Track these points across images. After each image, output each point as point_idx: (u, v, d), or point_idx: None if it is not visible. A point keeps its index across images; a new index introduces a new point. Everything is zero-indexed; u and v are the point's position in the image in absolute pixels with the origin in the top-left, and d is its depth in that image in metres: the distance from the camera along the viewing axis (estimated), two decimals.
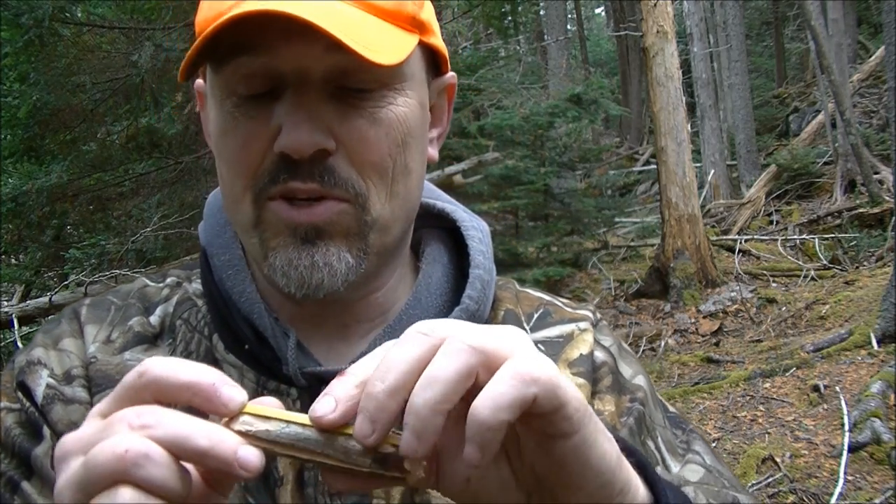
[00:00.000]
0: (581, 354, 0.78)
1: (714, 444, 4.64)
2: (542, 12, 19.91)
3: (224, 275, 0.72)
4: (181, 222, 5.16)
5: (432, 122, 0.73)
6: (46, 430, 0.68)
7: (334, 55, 0.60)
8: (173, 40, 4.49)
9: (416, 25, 0.66)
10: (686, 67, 11.51)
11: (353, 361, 0.65)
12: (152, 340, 0.73)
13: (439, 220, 0.81)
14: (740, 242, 9.60)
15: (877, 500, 3.78)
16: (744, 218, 11.06)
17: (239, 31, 0.60)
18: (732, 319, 7.37)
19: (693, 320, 7.45)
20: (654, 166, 11.07)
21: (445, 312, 0.73)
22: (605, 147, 15.37)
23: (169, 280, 0.78)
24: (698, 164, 12.03)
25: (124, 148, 5.72)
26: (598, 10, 32.70)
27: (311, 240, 0.64)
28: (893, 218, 8.88)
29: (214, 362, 0.70)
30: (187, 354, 0.71)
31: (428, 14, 0.69)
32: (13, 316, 4.56)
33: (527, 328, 0.78)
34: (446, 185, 7.41)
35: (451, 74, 0.74)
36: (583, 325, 0.80)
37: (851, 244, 9.02)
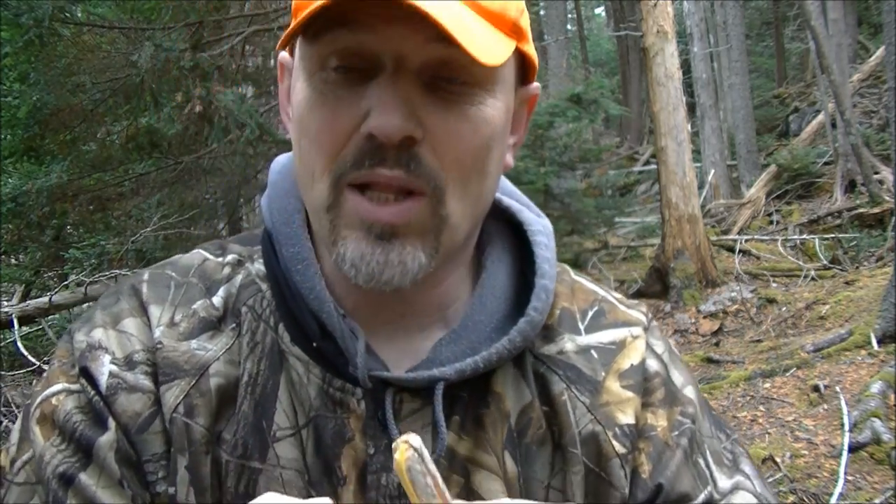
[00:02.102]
0: (632, 364, 0.76)
1: None
2: (542, 12, 19.90)
3: (293, 267, 0.70)
4: (181, 222, 5.16)
5: (513, 128, 0.72)
6: (111, 421, 0.66)
7: (435, 46, 0.60)
8: (173, 40, 4.50)
9: (515, 31, 0.66)
10: (686, 67, 11.50)
11: (416, 366, 0.69)
12: (216, 325, 0.70)
13: (505, 216, 0.79)
14: (740, 242, 9.59)
15: (877, 500, 3.78)
16: (744, 218, 11.06)
17: (343, 6, 0.59)
18: (732, 319, 7.38)
19: (693, 320, 7.45)
20: (654, 166, 11.07)
21: (509, 318, 0.73)
22: (605, 147, 15.36)
23: (230, 257, 0.75)
24: (698, 164, 12.03)
25: (124, 148, 5.73)
26: (598, 10, 32.70)
27: (388, 238, 0.64)
28: (893, 218, 8.88)
29: (280, 353, 0.69)
30: (253, 345, 0.69)
31: (526, 22, 0.68)
32: (13, 316, 4.56)
33: (581, 328, 0.77)
34: None
35: (535, 85, 0.74)
36: (636, 330, 0.78)
37: (851, 244, 9.02)
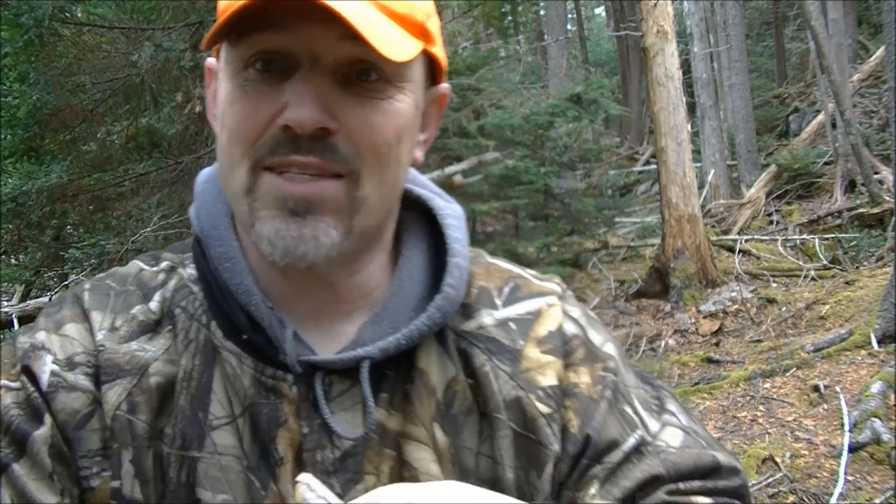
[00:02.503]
0: (550, 331, 0.81)
1: None
2: (542, 12, 19.91)
3: (221, 266, 0.74)
4: (181, 222, 5.16)
5: (422, 125, 0.77)
6: (48, 418, 0.69)
7: (347, 44, 0.65)
8: (173, 40, 4.49)
9: (422, 34, 0.70)
10: (686, 67, 11.50)
11: (342, 349, 0.73)
12: (154, 328, 0.75)
13: (417, 205, 0.84)
14: (740, 242, 9.59)
15: (877, 500, 3.78)
16: (744, 218, 11.06)
17: (262, 9, 0.64)
18: (732, 319, 7.38)
19: (693, 320, 7.45)
20: (654, 166, 11.07)
21: (426, 298, 0.77)
22: (605, 147, 15.36)
23: (163, 264, 0.79)
24: (698, 164, 12.02)
25: (124, 148, 5.72)
26: (598, 10, 32.70)
27: (301, 213, 0.67)
28: (893, 218, 8.88)
29: (213, 349, 0.73)
30: (187, 342, 0.73)
31: (434, 26, 0.73)
32: (13, 316, 4.56)
33: (499, 303, 0.81)
34: (446, 185, 7.42)
35: (445, 85, 0.79)
36: (551, 299, 0.83)
37: (851, 244, 9.02)
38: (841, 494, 3.85)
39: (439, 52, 0.74)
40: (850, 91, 11.24)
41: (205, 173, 0.83)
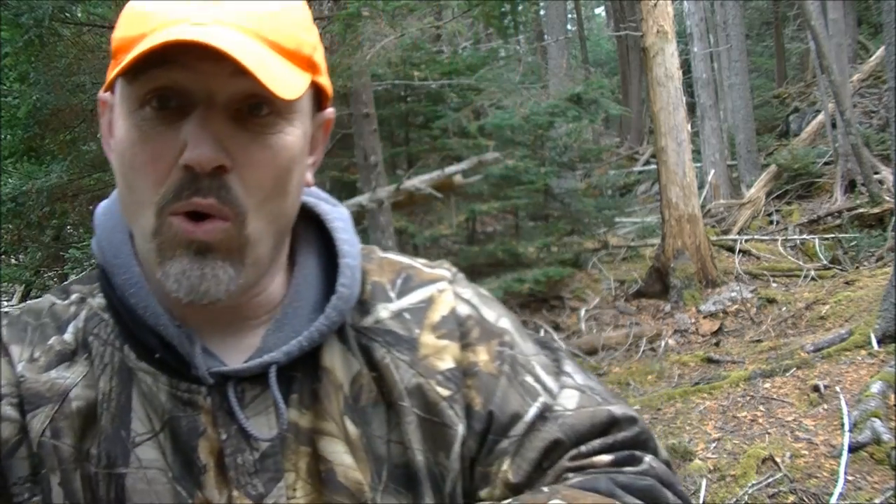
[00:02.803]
0: (443, 316, 0.85)
1: (714, 444, 4.64)
2: (542, 12, 19.91)
3: (127, 292, 0.78)
4: None
5: (310, 149, 0.81)
6: None
7: (239, 81, 0.68)
8: None
9: (310, 66, 0.75)
10: (686, 67, 11.50)
11: (249, 358, 0.78)
12: (71, 357, 0.78)
13: (305, 212, 0.87)
14: (740, 242, 9.59)
15: (877, 500, 3.78)
16: (744, 218, 11.06)
17: (159, 50, 0.67)
18: (732, 319, 7.38)
19: (693, 320, 7.45)
20: (654, 166, 11.07)
21: (323, 300, 0.82)
22: (605, 147, 15.36)
23: (73, 297, 0.83)
24: (698, 164, 12.02)
25: None
26: (598, 10, 32.70)
27: (203, 253, 0.72)
28: (893, 218, 8.88)
29: (128, 370, 0.77)
30: (103, 367, 0.77)
31: (320, 57, 0.77)
32: None
33: (392, 296, 0.85)
34: (446, 186, 7.42)
35: (330, 110, 0.83)
36: (441, 285, 0.87)
37: (851, 244, 9.02)
38: (841, 494, 3.85)
39: (325, 80, 0.79)
40: (850, 91, 11.24)
41: (103, 206, 0.87)
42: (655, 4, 8.19)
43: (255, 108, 0.71)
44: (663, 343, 6.97)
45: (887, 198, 9.54)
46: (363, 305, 0.84)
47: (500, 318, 0.88)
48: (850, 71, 12.34)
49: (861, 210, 9.82)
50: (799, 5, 11.67)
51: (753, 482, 4.09)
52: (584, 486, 0.77)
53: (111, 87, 0.76)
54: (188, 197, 0.70)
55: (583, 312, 7.95)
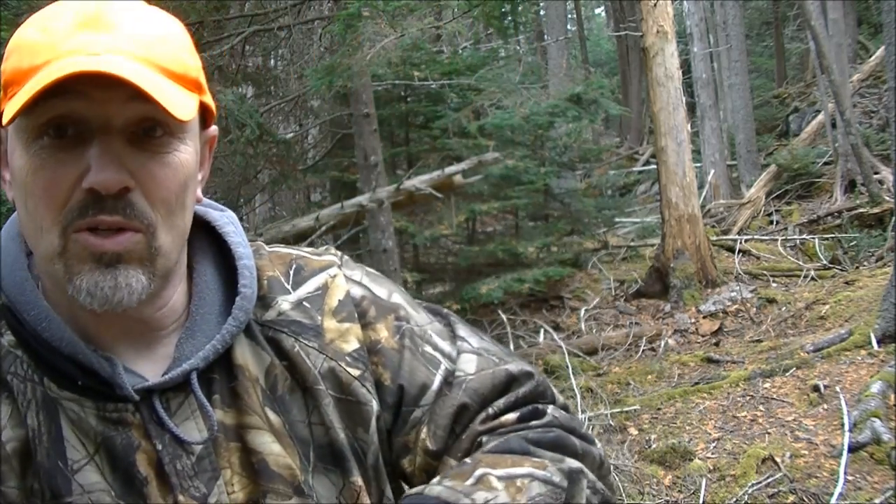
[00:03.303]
0: (340, 300, 0.90)
1: (714, 444, 4.64)
2: (542, 12, 19.90)
3: (38, 326, 0.79)
4: None
5: (199, 165, 0.84)
6: None
7: (135, 105, 0.72)
8: None
9: (197, 87, 0.79)
10: (686, 67, 11.49)
11: (168, 369, 0.81)
12: None
13: (197, 221, 0.90)
14: (740, 242, 9.59)
15: (877, 500, 3.78)
16: (744, 218, 11.06)
17: (58, 83, 0.69)
18: (732, 319, 7.38)
19: (693, 320, 7.45)
20: (654, 166, 11.06)
21: (226, 302, 0.86)
22: (605, 147, 15.36)
23: None
24: (698, 164, 12.02)
25: None
26: (598, 10, 32.69)
27: (114, 264, 0.75)
28: (893, 218, 8.88)
29: (52, 402, 0.78)
30: (27, 403, 0.78)
31: (202, 77, 0.81)
32: None
33: (289, 287, 0.90)
34: (446, 186, 7.42)
35: (213, 128, 0.87)
36: (332, 270, 0.92)
37: (851, 244, 9.02)
38: (841, 494, 3.85)
39: (208, 99, 0.83)
40: (850, 91, 11.24)
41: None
42: (655, 4, 8.19)
43: (149, 130, 0.75)
44: (663, 343, 6.97)
45: (887, 198, 9.54)
46: (263, 300, 0.88)
47: (392, 293, 0.93)
48: (850, 71, 12.34)
49: (861, 210, 9.81)
50: (799, 5, 11.67)
51: (753, 482, 4.09)
52: (499, 448, 0.84)
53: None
54: (94, 215, 0.73)
55: (583, 312, 7.95)
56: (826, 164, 11.87)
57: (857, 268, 8.36)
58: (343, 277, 0.92)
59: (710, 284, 8.03)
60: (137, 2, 0.78)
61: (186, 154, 0.78)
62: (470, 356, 0.91)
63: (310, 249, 0.96)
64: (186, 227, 0.82)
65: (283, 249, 0.94)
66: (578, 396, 5.50)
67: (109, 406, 0.79)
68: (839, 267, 8.47)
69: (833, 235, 9.47)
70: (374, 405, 0.87)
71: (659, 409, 5.29)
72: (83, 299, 0.75)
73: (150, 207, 0.75)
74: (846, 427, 4.32)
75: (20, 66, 0.73)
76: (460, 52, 10.11)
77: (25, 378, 0.79)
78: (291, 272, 0.91)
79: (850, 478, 3.96)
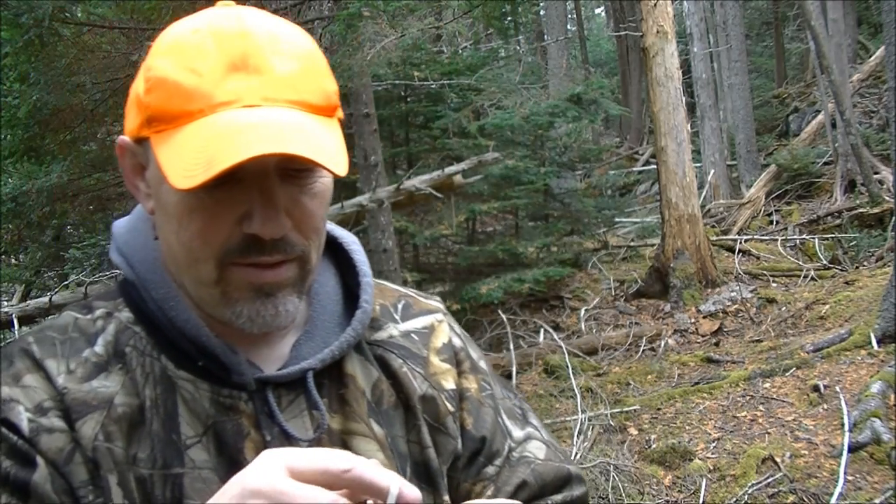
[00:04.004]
0: (443, 343, 0.97)
1: (714, 444, 4.64)
2: (542, 12, 19.90)
3: (165, 306, 0.83)
4: None
5: None
6: (39, 459, 0.75)
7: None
8: None
9: (335, 110, 0.81)
10: (686, 67, 11.50)
11: (284, 365, 0.85)
12: (105, 367, 0.81)
13: None
14: (740, 242, 9.59)
15: (877, 500, 3.78)
16: (744, 218, 11.06)
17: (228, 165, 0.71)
18: (732, 319, 7.38)
19: (693, 320, 7.45)
20: (654, 166, 11.06)
21: (344, 313, 0.91)
22: (605, 147, 15.36)
23: (98, 312, 0.86)
24: (698, 164, 12.02)
25: None
26: (598, 10, 32.69)
27: (273, 293, 0.79)
28: (893, 218, 8.88)
29: (169, 379, 0.81)
30: (146, 376, 0.81)
31: (338, 94, 0.83)
32: (13, 316, 4.56)
33: (397, 317, 0.96)
34: (446, 186, 7.41)
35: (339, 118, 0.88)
36: (438, 316, 0.99)
37: (851, 244, 9.02)
38: (841, 494, 3.85)
39: (340, 113, 0.84)
40: (850, 91, 11.24)
41: (123, 224, 0.92)
42: (655, 4, 8.19)
43: (300, 166, 0.77)
44: (663, 343, 6.97)
45: (887, 198, 9.54)
46: (373, 322, 0.94)
47: (481, 359, 1.01)
48: (850, 71, 12.33)
49: (861, 210, 9.82)
50: (799, 5, 11.66)
51: (753, 482, 4.09)
52: None
53: (132, 135, 0.79)
54: (256, 256, 0.78)
55: (583, 312, 7.95)
56: (826, 164, 11.87)
57: (857, 268, 8.36)
58: (447, 325, 0.99)
59: (710, 284, 8.03)
60: (273, 25, 0.78)
61: (327, 177, 0.82)
62: (540, 444, 1.00)
63: (415, 291, 1.03)
64: (324, 241, 0.86)
65: (390, 285, 1.02)
66: (578, 396, 5.50)
67: (224, 391, 0.82)
68: (839, 267, 8.47)
69: (833, 235, 9.47)
70: (459, 444, 0.92)
71: (659, 409, 5.29)
72: (243, 324, 0.80)
73: (304, 239, 0.80)
74: (846, 427, 4.32)
75: (169, 106, 0.75)
76: (460, 52, 10.11)
77: (144, 353, 0.82)
78: (400, 306, 0.98)
79: (850, 478, 3.96)
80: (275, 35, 0.77)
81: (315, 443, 0.82)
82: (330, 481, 0.64)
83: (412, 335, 0.95)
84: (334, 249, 0.96)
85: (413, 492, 0.64)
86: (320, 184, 0.80)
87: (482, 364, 1.00)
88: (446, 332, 0.98)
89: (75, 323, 0.84)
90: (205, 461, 0.79)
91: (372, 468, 0.64)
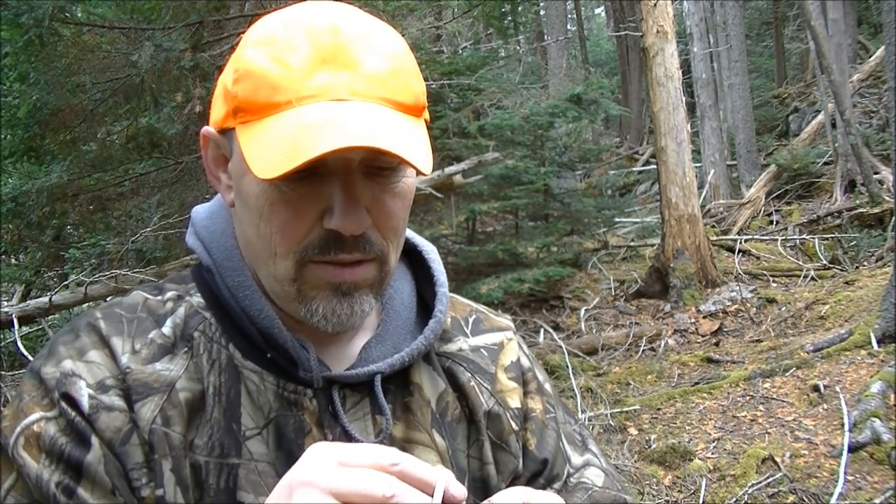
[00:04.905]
0: (512, 361, 0.96)
1: (714, 444, 4.64)
2: (542, 12, 19.89)
3: (239, 294, 0.82)
4: (181, 222, 5.14)
5: None
6: (94, 439, 0.74)
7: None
8: (173, 40, 4.49)
9: (423, 110, 0.79)
10: (686, 67, 11.50)
11: (352, 366, 0.84)
12: (171, 349, 0.80)
13: None
14: (740, 242, 9.59)
15: (877, 500, 3.78)
16: (744, 218, 11.06)
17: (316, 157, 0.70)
18: (732, 319, 7.37)
19: (693, 320, 7.45)
20: (654, 166, 11.06)
21: (417, 320, 0.90)
22: (605, 147, 15.36)
23: (169, 294, 0.85)
24: (698, 164, 12.02)
25: (124, 148, 5.71)
26: (598, 10, 32.69)
27: (350, 293, 0.79)
28: (893, 218, 8.88)
29: (235, 367, 0.81)
30: (212, 362, 0.80)
31: (425, 95, 0.82)
32: (13, 316, 4.56)
33: (468, 331, 0.96)
34: (446, 186, 7.41)
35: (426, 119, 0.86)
36: (509, 334, 0.98)
37: (851, 244, 9.02)
38: (841, 494, 3.85)
39: (427, 114, 0.82)
40: (849, 91, 11.24)
41: (203, 210, 0.91)
42: (655, 4, 8.18)
43: (384, 163, 0.76)
44: (663, 343, 6.97)
45: (887, 198, 9.54)
46: (445, 334, 0.93)
47: (546, 381, 1.00)
48: (850, 71, 12.34)
49: (861, 210, 9.82)
50: (799, 5, 11.66)
51: (753, 482, 4.09)
52: None
53: (218, 125, 0.79)
54: (335, 254, 0.77)
55: (583, 312, 7.95)
56: (826, 164, 11.87)
57: (857, 268, 8.36)
58: (517, 344, 0.98)
59: (710, 284, 8.03)
60: (364, 21, 0.77)
61: (411, 177, 0.81)
62: (599, 472, 0.98)
63: (486, 308, 1.02)
64: (403, 244, 0.85)
65: (462, 299, 1.01)
66: (578, 396, 5.50)
67: (290, 386, 0.81)
68: (839, 267, 8.47)
69: (833, 235, 9.47)
70: (520, 464, 0.91)
71: (659, 409, 5.28)
72: (317, 322, 0.79)
73: (383, 239, 0.79)
74: (846, 427, 4.32)
75: (256, 97, 0.74)
76: (460, 52, 10.10)
77: (212, 339, 0.82)
78: (471, 320, 0.97)
79: (850, 478, 3.96)
80: (366, 32, 0.76)
81: None
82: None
83: (482, 350, 0.94)
84: (412, 257, 0.95)
85: (459, 489, 0.63)
86: (403, 184, 0.79)
87: (547, 387, 0.99)
88: (515, 350, 0.97)
89: (145, 303, 0.84)
90: (262, 454, 0.78)
91: (420, 464, 0.64)
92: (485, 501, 0.66)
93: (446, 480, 0.63)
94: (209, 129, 0.82)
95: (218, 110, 0.79)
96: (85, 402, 0.74)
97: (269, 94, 0.73)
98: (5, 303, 6.20)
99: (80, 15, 5.23)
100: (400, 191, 0.79)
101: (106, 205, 6.07)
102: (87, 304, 4.65)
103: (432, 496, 0.62)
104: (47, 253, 6.60)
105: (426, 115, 0.81)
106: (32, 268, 6.82)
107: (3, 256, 7.02)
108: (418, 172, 0.73)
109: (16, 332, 4.52)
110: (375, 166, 0.76)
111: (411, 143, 0.73)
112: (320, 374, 0.81)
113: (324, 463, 0.63)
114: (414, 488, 0.62)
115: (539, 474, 0.92)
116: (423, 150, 0.74)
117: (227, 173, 0.82)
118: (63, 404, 0.74)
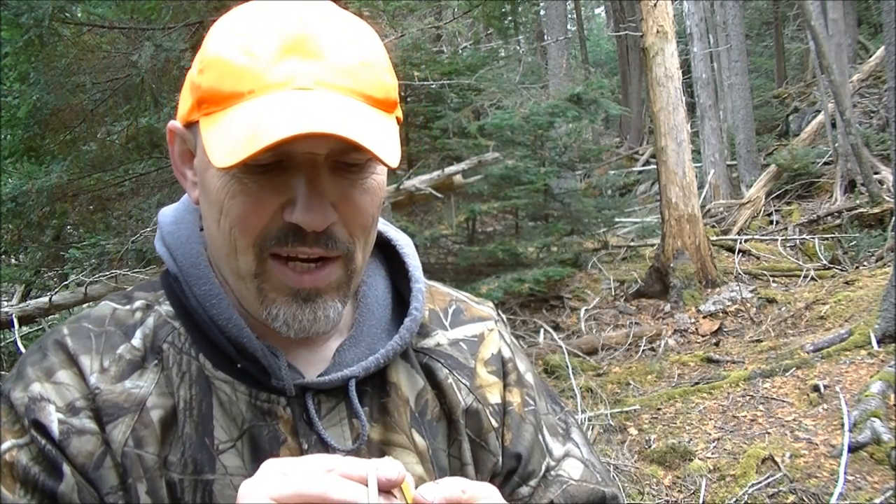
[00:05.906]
0: (492, 353, 0.92)
1: (714, 444, 4.64)
2: (542, 12, 19.87)
3: (207, 304, 0.79)
4: None
5: None
6: (66, 467, 0.72)
7: (336, 139, 0.69)
8: (173, 40, 4.49)
9: (394, 106, 0.77)
10: (686, 67, 11.49)
11: (325, 371, 0.81)
12: (141, 364, 0.78)
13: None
14: (740, 242, 9.59)
15: (877, 500, 3.78)
16: (744, 218, 11.06)
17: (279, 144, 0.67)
18: (732, 319, 7.37)
19: (693, 320, 7.45)
20: (654, 166, 11.06)
21: (393, 319, 0.87)
22: (605, 147, 15.36)
23: (138, 303, 0.83)
24: (698, 164, 12.01)
25: (124, 148, 5.71)
26: (598, 10, 32.68)
27: (312, 298, 0.76)
28: (893, 218, 8.88)
29: (206, 379, 0.78)
30: (182, 375, 0.78)
31: (397, 91, 0.79)
32: (13, 316, 4.56)
33: (446, 324, 0.92)
34: (446, 186, 7.41)
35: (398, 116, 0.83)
36: (490, 324, 0.95)
37: (851, 244, 9.02)
38: (841, 494, 3.85)
39: (399, 112, 0.80)
40: (849, 91, 11.24)
41: (168, 214, 0.88)
42: (655, 4, 8.18)
43: (352, 159, 0.73)
44: (663, 343, 6.97)
45: (887, 198, 9.54)
46: (422, 328, 0.90)
47: (528, 371, 0.96)
48: (850, 71, 12.33)
49: (861, 210, 9.82)
50: (799, 5, 11.66)
51: (753, 482, 4.09)
52: None
53: (183, 120, 0.77)
54: (294, 246, 0.73)
55: (583, 312, 7.95)
56: (826, 164, 11.87)
57: (857, 268, 8.36)
58: (498, 334, 0.95)
59: (710, 284, 8.03)
60: (335, 14, 0.75)
61: (382, 174, 0.78)
62: (577, 463, 0.94)
63: (468, 295, 0.99)
64: (374, 240, 0.82)
65: (442, 287, 0.97)
66: (578, 396, 5.50)
67: (262, 395, 0.79)
68: (839, 267, 8.47)
69: (833, 235, 9.47)
70: (499, 461, 0.88)
71: (659, 409, 5.28)
72: (279, 327, 0.76)
73: (349, 235, 0.76)
74: (846, 427, 4.32)
75: (220, 87, 0.71)
76: (460, 52, 10.09)
77: (181, 350, 0.79)
78: (450, 311, 0.94)
79: (850, 478, 3.96)
80: (336, 24, 0.74)
81: (354, 453, 0.78)
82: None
83: (461, 343, 0.91)
84: (386, 251, 0.92)
85: (393, 471, 0.62)
86: (373, 180, 0.76)
87: (528, 377, 0.95)
88: (496, 341, 0.94)
89: (113, 314, 0.81)
90: (237, 467, 0.76)
91: (354, 461, 0.63)
92: (423, 484, 0.64)
93: (377, 469, 0.62)
94: (175, 123, 0.80)
95: (184, 104, 0.77)
96: (55, 429, 0.73)
97: (233, 84, 0.70)
98: (5, 303, 6.20)
99: (80, 15, 5.24)
100: (369, 187, 0.76)
101: (106, 205, 6.07)
102: (87, 304, 4.64)
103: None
104: (47, 253, 6.60)
105: (398, 112, 0.79)
106: (32, 268, 6.82)
107: (3, 256, 7.02)
108: (390, 169, 0.72)
109: (16, 332, 4.52)
110: (343, 161, 0.73)
111: (378, 136, 0.70)
112: (292, 381, 0.78)
113: (268, 474, 0.63)
114: (349, 482, 0.61)
115: (513, 471, 0.89)
116: (390, 144, 0.71)
117: (192, 169, 0.80)
118: (33, 432, 0.73)
